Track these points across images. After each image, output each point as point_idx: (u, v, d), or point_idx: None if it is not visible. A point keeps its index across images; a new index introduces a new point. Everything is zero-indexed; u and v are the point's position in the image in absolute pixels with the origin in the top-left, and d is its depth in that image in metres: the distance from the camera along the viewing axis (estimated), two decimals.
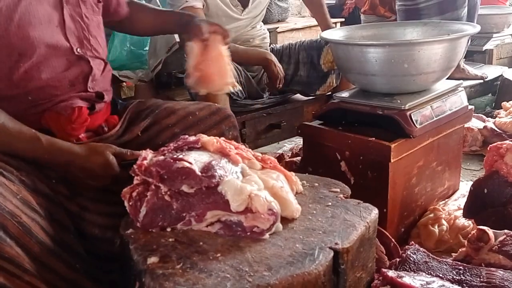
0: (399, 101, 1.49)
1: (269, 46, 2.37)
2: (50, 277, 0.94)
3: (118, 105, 1.47)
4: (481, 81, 2.90)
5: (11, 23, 1.08)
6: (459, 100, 1.65)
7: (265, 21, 3.64)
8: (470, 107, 1.73)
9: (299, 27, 3.93)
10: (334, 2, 4.61)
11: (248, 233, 0.91)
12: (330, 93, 2.25)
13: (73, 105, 1.20)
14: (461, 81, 1.75)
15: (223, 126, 1.36)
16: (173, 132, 1.30)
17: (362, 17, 3.98)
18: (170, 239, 0.90)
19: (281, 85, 2.09)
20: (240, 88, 1.96)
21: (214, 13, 2.00)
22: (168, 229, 0.93)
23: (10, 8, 1.08)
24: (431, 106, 1.53)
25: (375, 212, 1.01)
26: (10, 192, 0.93)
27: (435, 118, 1.53)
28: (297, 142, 2.58)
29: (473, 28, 1.57)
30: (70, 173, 1.09)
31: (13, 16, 1.08)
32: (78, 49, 1.21)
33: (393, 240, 1.37)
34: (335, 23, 4.09)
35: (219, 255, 0.85)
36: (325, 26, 2.28)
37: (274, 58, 2.04)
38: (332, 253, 0.86)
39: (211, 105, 1.40)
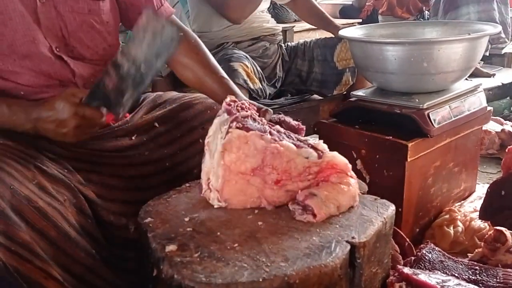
0: (417, 100, 1.48)
1: (284, 43, 2.39)
2: (67, 261, 0.95)
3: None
4: (500, 84, 2.88)
5: None
6: (478, 100, 1.64)
7: (281, 21, 3.65)
8: (488, 108, 1.71)
9: (315, 27, 3.92)
10: (351, 2, 4.59)
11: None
12: (346, 92, 2.25)
13: None
14: (481, 82, 1.73)
15: None
16: (190, 125, 1.30)
17: (380, 18, 3.98)
18: (188, 229, 0.91)
19: None
20: (261, 86, 1.97)
21: None
22: (186, 219, 0.94)
23: None
24: (449, 106, 1.52)
25: (392, 208, 1.00)
26: (26, 178, 0.95)
27: (453, 118, 1.52)
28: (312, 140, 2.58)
29: (494, 28, 1.56)
30: (43, 131, 1.04)
31: None
32: (58, 49, 1.14)
33: (407, 240, 1.36)
34: (353, 23, 4.08)
35: (236, 245, 0.85)
36: (335, 28, 2.29)
37: None
38: (348, 247, 0.86)
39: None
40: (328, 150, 1.01)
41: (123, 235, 1.10)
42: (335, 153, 1.00)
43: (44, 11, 1.11)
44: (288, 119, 1.09)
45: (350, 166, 1.00)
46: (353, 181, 0.99)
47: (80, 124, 1.04)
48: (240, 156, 0.95)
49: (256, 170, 0.96)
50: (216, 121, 1.01)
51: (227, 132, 0.95)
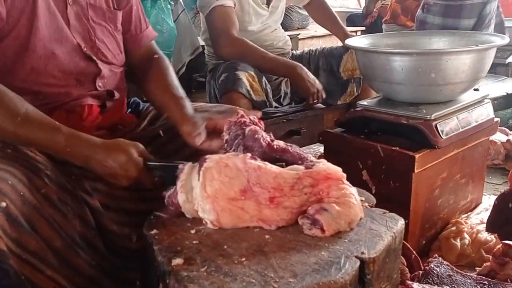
0: (424, 110, 1.47)
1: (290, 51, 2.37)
2: (69, 272, 0.94)
3: (141, 106, 1.47)
4: (504, 93, 2.86)
5: (22, 14, 1.08)
6: (485, 112, 1.63)
7: (286, 28, 3.65)
8: (496, 119, 1.70)
9: (319, 34, 3.94)
10: (361, 11, 4.64)
11: None
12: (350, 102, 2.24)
13: (82, 103, 1.20)
14: (488, 93, 1.72)
15: None
16: None
17: (384, 26, 3.97)
18: (194, 242, 0.89)
19: (318, 100, 2.03)
20: (265, 99, 1.95)
21: (245, 11, 2.02)
22: (192, 231, 0.92)
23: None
24: (457, 117, 1.51)
25: (401, 222, 0.98)
26: (35, 186, 0.94)
27: (460, 130, 1.51)
28: (315, 149, 2.57)
29: (502, 40, 1.55)
30: (91, 169, 1.04)
31: (25, 8, 1.08)
32: (86, 48, 1.20)
33: (414, 252, 1.34)
34: (356, 31, 4.09)
35: (243, 259, 0.83)
36: (345, 36, 2.28)
37: (305, 73, 1.97)
38: (358, 262, 0.84)
39: (232, 107, 1.36)
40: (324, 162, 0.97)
41: (125, 245, 1.08)
42: (327, 163, 0.96)
43: (72, 13, 1.18)
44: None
45: (344, 174, 0.96)
46: (353, 189, 0.97)
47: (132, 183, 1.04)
48: (224, 180, 0.91)
49: (246, 193, 0.92)
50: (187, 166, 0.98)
51: (204, 162, 0.93)
